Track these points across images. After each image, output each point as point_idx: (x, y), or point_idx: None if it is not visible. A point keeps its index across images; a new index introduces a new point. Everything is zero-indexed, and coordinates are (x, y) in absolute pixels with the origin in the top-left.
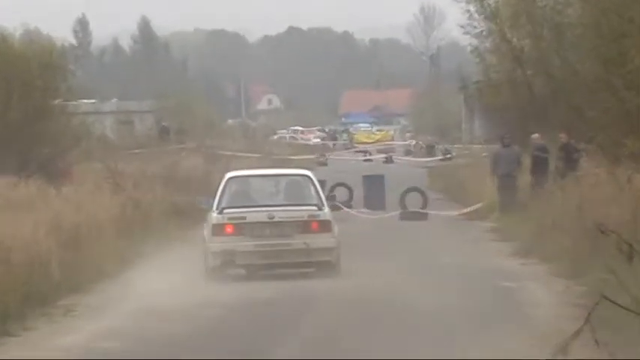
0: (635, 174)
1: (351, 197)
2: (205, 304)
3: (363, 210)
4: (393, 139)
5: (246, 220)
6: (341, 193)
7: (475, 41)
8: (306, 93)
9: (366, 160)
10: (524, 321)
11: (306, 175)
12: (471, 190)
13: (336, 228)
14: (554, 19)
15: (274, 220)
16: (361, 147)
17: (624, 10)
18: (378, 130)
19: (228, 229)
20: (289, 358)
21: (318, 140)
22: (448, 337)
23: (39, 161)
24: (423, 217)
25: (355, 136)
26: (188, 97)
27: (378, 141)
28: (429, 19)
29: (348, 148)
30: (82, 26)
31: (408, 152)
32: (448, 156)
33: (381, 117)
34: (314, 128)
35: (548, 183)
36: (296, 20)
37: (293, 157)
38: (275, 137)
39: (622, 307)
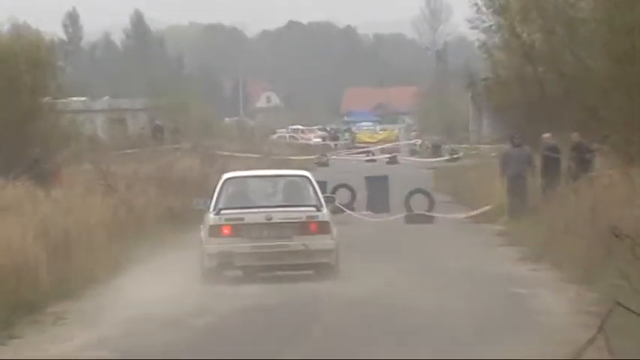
0: None
1: (353, 199)
2: (200, 311)
3: (365, 213)
4: (397, 139)
5: (244, 222)
6: (343, 195)
7: (483, 36)
8: (306, 90)
9: (369, 161)
10: (535, 329)
11: (305, 176)
12: (479, 192)
13: (335, 229)
14: (566, 13)
15: (272, 221)
16: (364, 147)
17: (638, 4)
18: (381, 130)
19: (226, 231)
20: None
21: (319, 140)
22: (454, 347)
23: (27, 162)
24: (428, 220)
25: (358, 135)
26: (183, 95)
27: (381, 141)
28: (435, 13)
29: (351, 148)
30: (72, 20)
31: (413, 152)
32: (455, 156)
33: (384, 115)
34: (315, 127)
35: (560, 185)
36: (296, 14)
37: (293, 158)
38: (274, 137)
39: (637, 313)
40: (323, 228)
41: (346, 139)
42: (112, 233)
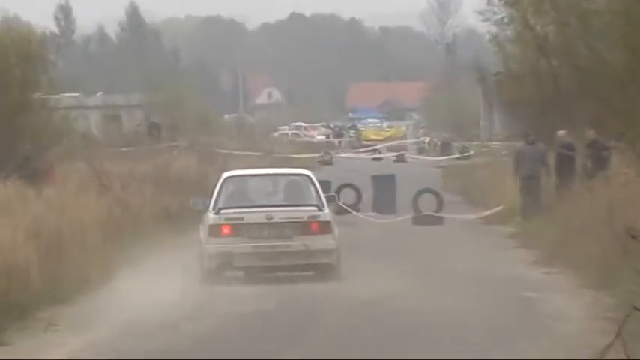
0: None
1: (359, 200)
2: (198, 315)
3: (371, 214)
4: (404, 137)
5: (244, 221)
6: (348, 195)
7: (494, 29)
8: (309, 86)
9: (375, 159)
10: (549, 335)
11: (306, 175)
12: (490, 191)
13: (336, 229)
14: (579, 5)
15: (273, 221)
16: (370, 145)
17: None
18: (388, 127)
19: (225, 230)
20: None
21: (323, 137)
22: (462, 354)
23: (18, 160)
24: (437, 221)
25: (363, 132)
26: (180, 90)
27: (388, 138)
28: (444, 4)
29: (356, 147)
30: (64, 13)
31: (421, 150)
32: (465, 154)
33: (391, 112)
34: (318, 124)
35: (575, 184)
36: (298, 5)
37: (295, 156)
38: (276, 134)
39: None
40: (324, 228)
41: (351, 137)
42: (106, 234)
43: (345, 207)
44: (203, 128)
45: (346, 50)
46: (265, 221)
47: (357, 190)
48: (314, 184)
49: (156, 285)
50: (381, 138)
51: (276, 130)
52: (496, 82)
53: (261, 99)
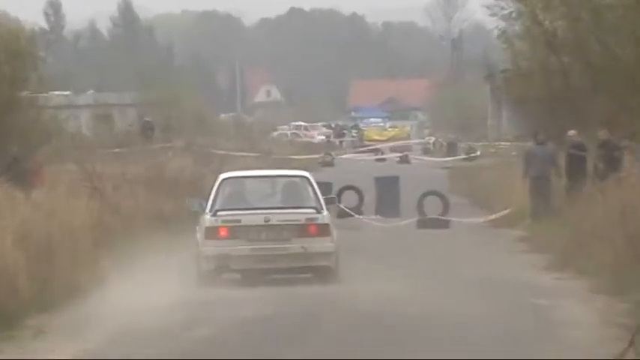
0: None
1: (361, 202)
2: (193, 322)
3: (374, 217)
4: (408, 137)
5: (241, 223)
6: (350, 198)
7: (503, 24)
8: (309, 84)
9: (378, 160)
10: (560, 343)
11: (304, 177)
12: (498, 193)
13: (335, 232)
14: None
15: (270, 223)
16: (372, 145)
17: None
18: (391, 126)
19: (222, 233)
20: None
21: (324, 137)
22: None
23: (5, 161)
24: (443, 224)
25: (366, 132)
26: (175, 88)
27: (391, 138)
28: None
29: (358, 147)
30: (54, 8)
31: (426, 151)
32: (472, 155)
33: (394, 111)
34: (319, 124)
35: (586, 185)
36: (298, 0)
37: (295, 157)
38: (275, 134)
39: None
40: (323, 230)
41: (353, 137)
42: (97, 238)
43: (347, 210)
44: (199, 128)
45: (347, 47)
46: (263, 223)
47: (359, 192)
48: (312, 186)
49: (149, 289)
50: (384, 138)
51: (275, 130)
52: (504, 79)
53: (260, 97)
